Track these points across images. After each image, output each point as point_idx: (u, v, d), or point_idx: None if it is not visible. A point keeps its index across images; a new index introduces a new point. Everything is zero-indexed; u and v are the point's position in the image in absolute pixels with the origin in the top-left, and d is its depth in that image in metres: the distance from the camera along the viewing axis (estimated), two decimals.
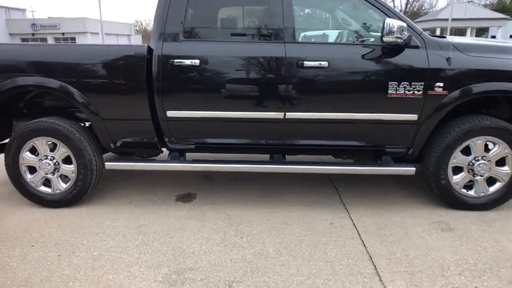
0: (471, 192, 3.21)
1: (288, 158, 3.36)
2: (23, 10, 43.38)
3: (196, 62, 2.99)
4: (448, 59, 2.95)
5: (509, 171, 3.13)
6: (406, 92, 2.96)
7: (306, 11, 3.29)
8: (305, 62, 2.96)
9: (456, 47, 3.01)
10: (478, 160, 3.11)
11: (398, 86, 2.95)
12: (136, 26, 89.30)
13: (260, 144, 3.26)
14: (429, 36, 3.06)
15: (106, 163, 3.27)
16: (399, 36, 2.78)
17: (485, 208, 3.21)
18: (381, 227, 2.98)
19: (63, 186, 3.32)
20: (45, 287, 2.28)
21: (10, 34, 38.80)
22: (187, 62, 2.99)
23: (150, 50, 3.05)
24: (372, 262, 2.51)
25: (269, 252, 2.64)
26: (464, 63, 2.97)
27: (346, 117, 3.06)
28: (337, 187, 3.75)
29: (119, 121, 3.18)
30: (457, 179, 3.17)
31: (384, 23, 2.73)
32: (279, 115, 3.07)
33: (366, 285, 2.28)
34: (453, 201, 3.22)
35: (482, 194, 3.20)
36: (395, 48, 2.95)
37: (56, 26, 39.01)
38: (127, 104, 3.12)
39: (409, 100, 2.98)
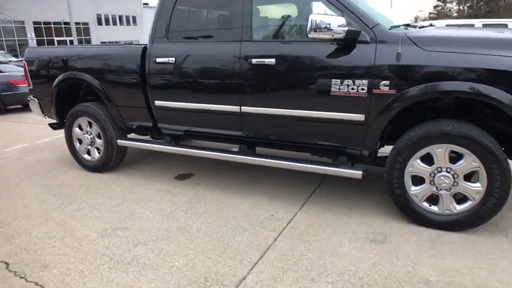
0: (434, 208, 2.80)
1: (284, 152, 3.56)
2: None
3: (172, 59, 3.50)
4: (398, 55, 2.66)
5: (481, 188, 2.61)
6: (350, 90, 2.81)
7: (265, 11, 3.35)
8: (253, 60, 3.12)
9: (413, 40, 2.67)
10: (440, 171, 2.70)
11: (342, 84, 2.83)
12: None
13: (228, 135, 3.56)
14: (386, 29, 2.78)
15: (118, 141, 4.12)
16: (333, 32, 2.67)
17: (449, 228, 2.76)
18: (313, 227, 2.94)
19: (96, 155, 4.34)
20: (36, 218, 3.23)
21: None
22: (166, 59, 3.53)
23: (145, 50, 3.71)
24: (263, 254, 2.60)
25: (192, 228, 3.00)
26: (419, 59, 2.62)
27: (295, 114, 3.08)
28: (321, 185, 3.72)
29: (127, 108, 3.96)
30: (416, 190, 2.82)
31: (307, 19, 2.67)
32: (236, 108, 3.32)
33: (233, 269, 2.44)
34: (411, 214, 2.87)
35: (447, 212, 2.76)
36: (340, 44, 2.82)
37: None
38: (130, 94, 3.86)
39: (354, 99, 2.81)
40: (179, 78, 3.53)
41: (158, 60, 3.57)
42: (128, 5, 41.46)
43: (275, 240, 2.78)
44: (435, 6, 50.68)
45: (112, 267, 2.53)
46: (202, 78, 3.44)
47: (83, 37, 33.84)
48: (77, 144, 4.46)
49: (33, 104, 4.66)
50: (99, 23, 37.97)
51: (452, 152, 2.64)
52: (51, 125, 4.75)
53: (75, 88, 4.43)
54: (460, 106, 2.83)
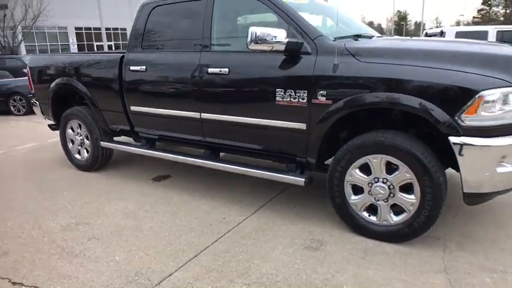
0: (373, 218, 2.81)
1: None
2: None
3: (144, 68, 3.74)
4: (334, 66, 2.72)
5: (414, 200, 2.60)
6: (292, 99, 2.89)
7: (224, 23, 3.46)
8: (209, 69, 3.28)
9: (350, 51, 2.72)
10: (377, 182, 2.72)
11: (285, 93, 2.92)
12: None
13: (193, 140, 3.73)
14: (328, 41, 2.84)
15: (101, 142, 4.41)
16: (272, 43, 2.77)
17: (387, 239, 2.76)
18: (257, 231, 3.03)
19: (85, 155, 4.66)
20: (16, 210, 3.56)
21: None
22: (138, 67, 3.77)
23: (123, 59, 3.97)
24: (198, 253, 2.73)
25: (145, 226, 3.18)
26: (352, 70, 2.67)
27: (246, 122, 3.19)
28: (284, 191, 3.79)
29: (109, 112, 4.24)
30: (355, 199, 2.84)
31: (248, 32, 2.78)
32: (196, 115, 3.48)
33: (165, 266, 2.59)
34: (351, 223, 2.90)
35: (385, 222, 2.76)
36: (284, 55, 2.91)
37: None
38: (111, 99, 4.14)
39: (296, 108, 2.89)
40: (149, 85, 3.75)
41: (132, 68, 3.81)
42: None
43: (215, 241, 2.90)
44: (479, 10, 48.52)
45: (60, 258, 2.76)
46: (168, 86, 3.64)
47: (121, 42, 35.47)
48: (70, 145, 4.81)
49: (35, 106, 5.08)
50: None
51: (391, 162, 2.65)
52: (50, 126, 5.14)
53: (70, 92, 4.78)
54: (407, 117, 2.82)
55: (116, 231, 3.12)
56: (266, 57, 3.01)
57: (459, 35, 8.07)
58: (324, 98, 2.75)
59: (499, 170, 2.37)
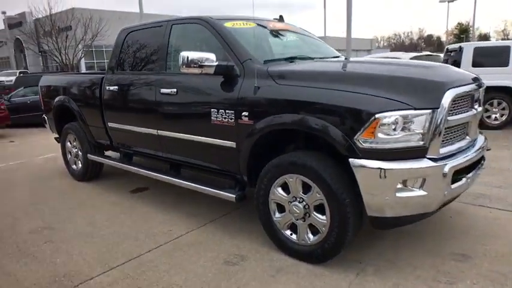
0: (294, 237, 2.84)
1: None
2: None
3: (116, 88, 4.09)
4: (255, 88, 2.83)
5: (325, 221, 2.60)
6: (223, 119, 3.04)
7: (179, 46, 3.66)
8: (162, 89, 3.53)
9: (271, 74, 2.83)
10: (294, 201, 2.76)
11: (218, 113, 3.07)
12: (393, 39, 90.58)
13: (156, 155, 3.98)
14: (254, 64, 2.96)
15: (88, 155, 4.81)
16: (202, 67, 2.95)
17: (304, 259, 2.77)
18: (192, 244, 3.16)
19: (79, 166, 5.11)
20: (3, 214, 4.03)
21: None
22: (113, 87, 4.13)
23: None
24: (126, 261, 2.93)
25: (98, 233, 3.45)
26: (270, 92, 2.77)
27: (191, 139, 3.38)
28: (241, 208, 3.88)
29: (94, 127, 4.65)
30: (279, 217, 2.89)
31: (179, 56, 2.98)
32: (154, 132, 3.74)
33: (92, 270, 2.81)
34: (276, 240, 2.94)
35: (303, 242, 2.78)
36: (218, 77, 3.08)
37: None
38: (94, 116, 4.54)
39: (226, 127, 3.03)
40: (120, 104, 4.09)
41: (108, 88, 4.19)
42: None
43: (148, 251, 3.09)
44: None
45: (12, 257, 3.10)
46: (133, 104, 3.95)
47: None
48: (69, 156, 5.29)
49: (45, 121, 5.67)
50: None
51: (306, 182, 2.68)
52: (55, 138, 5.69)
53: (68, 109, 5.27)
54: None
55: (72, 237, 3.42)
56: (205, 79, 3.19)
57: (477, 51, 7.66)
58: (247, 118, 2.87)
59: (399, 194, 2.32)
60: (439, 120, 2.31)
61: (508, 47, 7.35)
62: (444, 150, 2.44)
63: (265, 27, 3.63)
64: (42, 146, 7.90)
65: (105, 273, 2.79)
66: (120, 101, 4.09)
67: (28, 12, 31.28)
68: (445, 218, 3.47)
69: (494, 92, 7.51)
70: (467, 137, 2.73)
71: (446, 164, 2.35)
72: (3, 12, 31.66)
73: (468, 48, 7.65)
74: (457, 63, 7.83)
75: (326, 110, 2.46)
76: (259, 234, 3.26)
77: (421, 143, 2.33)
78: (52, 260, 3.03)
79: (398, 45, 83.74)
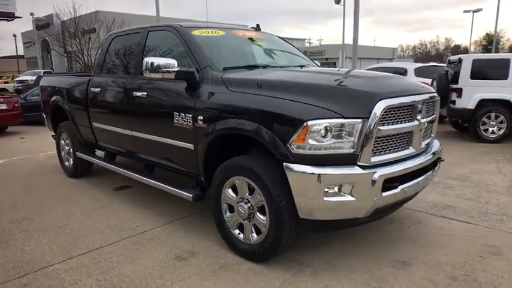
0: (241, 236, 2.98)
1: None
2: (303, 40, 52.30)
3: (98, 90, 4.34)
4: (209, 94, 3.01)
5: (265, 222, 2.73)
6: (183, 122, 3.22)
7: (154, 51, 3.86)
8: (134, 92, 3.75)
9: (224, 81, 2.99)
10: (241, 202, 2.90)
11: (179, 116, 3.26)
12: (419, 48, 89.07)
13: (133, 155, 4.20)
14: (211, 71, 3.13)
15: (76, 152, 5.09)
16: (163, 72, 3.14)
17: (249, 257, 2.90)
18: (151, 238, 3.35)
19: (71, 163, 5.40)
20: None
21: None
22: (96, 89, 4.39)
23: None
24: (86, 252, 3.14)
25: (70, 226, 3.68)
26: (221, 98, 2.94)
27: (158, 140, 3.58)
28: None
29: (82, 126, 4.92)
30: (229, 216, 3.04)
31: (143, 61, 3.18)
32: (129, 132, 3.96)
33: (53, 258, 3.03)
34: (226, 239, 3.09)
35: (248, 241, 2.92)
36: (181, 82, 3.26)
37: (321, 52, 44.98)
38: (81, 116, 4.81)
39: (186, 130, 3.21)
40: (101, 105, 4.34)
41: (92, 90, 4.45)
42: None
43: (109, 244, 3.28)
44: None
45: None
46: (112, 105, 4.19)
47: None
48: (62, 153, 5.60)
49: (44, 119, 6.01)
50: None
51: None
52: (53, 136, 6.01)
53: (61, 109, 5.58)
54: None
55: (46, 228, 3.67)
56: (172, 84, 3.38)
57: (476, 63, 7.57)
58: (202, 122, 3.04)
59: (326, 198, 2.43)
60: (369, 130, 2.41)
61: (508, 60, 7.26)
62: (377, 159, 2.53)
63: (235, 36, 3.81)
64: (48, 144, 8.26)
65: (64, 261, 3.01)
66: (102, 103, 4.34)
67: (55, 14, 32.61)
68: (403, 227, 3.53)
69: (493, 105, 7.43)
70: (410, 147, 2.81)
71: (375, 172, 2.45)
72: (32, 14, 33.07)
73: (467, 60, 7.59)
74: (456, 75, 7.80)
75: (265, 117, 2.60)
76: (217, 233, 3.41)
77: (352, 150, 2.44)
78: (22, 247, 3.27)
79: (424, 54, 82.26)
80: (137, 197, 4.49)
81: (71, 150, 5.28)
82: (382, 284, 2.59)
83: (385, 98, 2.50)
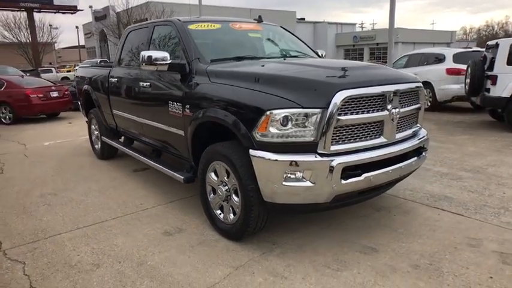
0: (222, 216, 3.22)
1: None
2: (353, 24, 50.56)
3: (116, 80, 4.76)
4: (193, 84, 3.25)
5: (237, 203, 2.95)
6: (175, 110, 3.50)
7: (159, 45, 4.13)
8: (141, 83, 4.09)
9: (208, 73, 3.21)
10: (220, 184, 3.14)
11: (172, 105, 3.54)
12: (485, 31, 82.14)
13: (142, 140, 4.58)
14: (198, 63, 3.36)
15: (102, 137, 5.60)
16: (157, 64, 3.43)
17: (227, 236, 3.14)
18: (149, 216, 3.70)
19: (99, 147, 5.95)
20: (26, 179, 4.95)
21: (337, 46, 46.64)
22: (114, 80, 4.81)
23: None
24: (88, 225, 3.57)
25: (84, 203, 4.16)
26: (204, 89, 3.17)
27: (160, 127, 3.90)
28: None
29: (106, 113, 5.41)
30: (212, 198, 3.29)
31: (140, 54, 3.48)
32: (138, 119, 4.33)
33: (49, 231, 3.50)
34: (210, 218, 3.34)
35: (226, 221, 3.15)
36: (175, 74, 3.53)
37: (372, 37, 43.31)
38: (104, 103, 5.29)
39: (177, 118, 3.49)
40: (118, 93, 4.76)
41: (111, 80, 4.88)
42: (283, 21, 44.97)
43: (112, 219, 3.68)
44: None
45: (17, 213, 3.91)
46: (125, 94, 4.58)
47: None
48: (93, 137, 6.18)
49: (80, 106, 6.63)
50: None
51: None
52: (86, 121, 6.62)
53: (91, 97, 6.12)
54: None
55: (64, 202, 4.17)
56: (170, 76, 3.66)
57: None
58: (188, 110, 3.30)
59: (286, 183, 2.58)
60: (327, 119, 2.52)
61: None
62: (339, 147, 2.63)
63: (230, 28, 3.99)
64: None
65: (71, 231, 3.45)
66: (119, 91, 4.75)
67: (111, 6, 34.55)
68: (389, 215, 3.57)
69: None
70: (382, 137, 2.85)
71: (333, 160, 2.55)
72: (90, 7, 35.27)
73: (504, 44, 7.11)
74: (493, 61, 7.34)
75: (234, 106, 2.80)
76: None
77: (312, 139, 2.56)
78: (41, 218, 3.77)
79: (490, 37, 75.98)
80: (151, 178, 4.88)
81: (99, 134, 5.82)
82: (342, 267, 2.71)
83: (346, 89, 2.57)
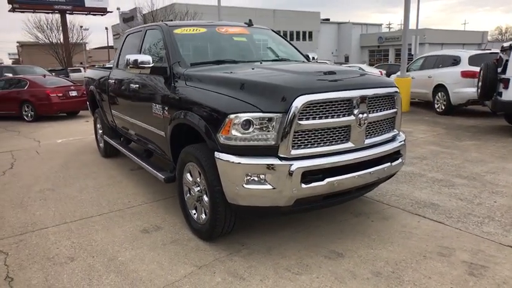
0: (195, 216, 3.30)
1: None
2: (379, 25, 49.60)
3: (113, 81, 4.94)
4: (171, 87, 3.35)
5: (207, 204, 3.02)
6: (157, 112, 3.62)
7: (149, 48, 4.26)
8: (131, 85, 4.24)
9: (184, 76, 3.31)
10: (194, 185, 3.22)
11: (155, 106, 3.66)
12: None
13: (135, 141, 4.73)
14: (178, 67, 3.45)
15: (104, 136, 5.81)
16: (140, 67, 3.56)
17: (199, 235, 3.22)
18: (134, 213, 3.84)
19: (102, 145, 6.18)
20: (31, 175, 5.22)
21: (361, 47, 45.90)
22: (112, 81, 5.00)
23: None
24: (74, 220, 3.74)
25: (79, 197, 4.35)
26: (180, 92, 3.26)
27: (147, 128, 4.03)
28: None
29: (105, 112, 5.62)
30: (188, 198, 3.38)
31: (125, 58, 3.62)
32: (129, 119, 4.48)
33: (47, 214, 3.68)
34: (186, 218, 3.42)
35: (199, 221, 3.23)
36: (163, 78, 3.63)
37: (398, 38, 42.32)
38: (105, 103, 5.49)
39: (159, 119, 3.61)
40: (115, 94, 4.94)
41: (110, 81, 5.07)
42: (307, 21, 44.77)
43: (98, 215, 3.83)
44: None
45: (14, 206, 4.14)
46: (120, 95, 4.75)
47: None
48: (98, 136, 6.42)
49: (88, 106, 6.91)
50: None
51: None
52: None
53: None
54: None
55: (59, 198, 4.38)
56: (156, 79, 3.78)
57: None
58: (167, 112, 3.40)
59: (246, 186, 2.63)
60: (287, 124, 2.55)
61: None
62: (300, 152, 2.65)
63: (215, 32, 4.06)
64: None
65: (57, 225, 3.63)
66: (116, 92, 4.93)
67: (138, 8, 35.49)
68: (366, 221, 3.54)
69: None
70: (349, 142, 2.85)
71: (292, 164, 2.58)
72: (118, 9, 36.35)
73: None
74: (506, 64, 7.07)
75: (202, 109, 2.87)
76: None
77: (273, 142, 2.60)
78: (34, 212, 3.98)
79: None
80: (144, 177, 5.03)
81: (102, 133, 6.04)
82: (303, 270, 2.72)
83: (307, 94, 2.59)
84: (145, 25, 4.48)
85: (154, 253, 3.03)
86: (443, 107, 9.73)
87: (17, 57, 67.26)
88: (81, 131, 9.04)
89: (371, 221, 3.54)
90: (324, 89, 2.69)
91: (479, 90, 7.70)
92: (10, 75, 13.80)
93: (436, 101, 10.02)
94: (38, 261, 2.97)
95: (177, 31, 3.86)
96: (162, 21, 28.88)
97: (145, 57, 3.56)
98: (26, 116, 10.96)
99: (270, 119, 2.56)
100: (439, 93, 9.83)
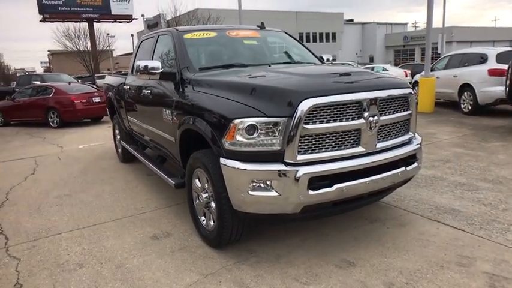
0: (204, 222, 3.25)
1: None
2: (404, 24, 48.47)
3: (128, 87, 4.99)
4: (180, 92, 3.32)
5: (214, 210, 2.97)
6: (167, 117, 3.61)
7: (161, 54, 4.24)
8: (143, 90, 4.26)
9: (192, 81, 3.28)
10: (202, 191, 3.18)
11: (165, 111, 3.65)
12: None
13: (150, 147, 4.75)
14: (186, 72, 3.42)
15: (121, 141, 5.88)
16: (150, 73, 3.56)
17: (208, 242, 3.17)
18: (145, 219, 3.83)
19: (120, 150, 6.26)
20: (51, 181, 5.34)
21: (386, 47, 44.96)
22: (127, 87, 5.05)
23: None
24: (90, 222, 3.77)
25: (93, 204, 4.40)
26: (188, 97, 3.23)
27: (159, 133, 4.03)
28: None
29: (122, 118, 5.68)
30: (197, 204, 3.34)
31: (135, 64, 3.62)
32: (143, 124, 4.51)
33: (61, 220, 3.73)
34: (195, 224, 3.38)
35: (207, 227, 3.18)
36: (168, 82, 3.63)
37: (423, 37, 41.10)
38: (121, 109, 5.55)
39: (169, 125, 3.59)
40: (130, 100, 4.98)
41: (125, 87, 5.12)
42: (330, 22, 44.28)
43: (111, 221, 3.86)
44: None
45: (30, 212, 4.23)
46: (133, 101, 4.78)
47: None
48: (116, 141, 6.51)
49: (107, 112, 7.03)
50: (301, 41, 42.37)
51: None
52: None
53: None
54: None
55: (75, 204, 4.44)
56: (167, 84, 3.77)
57: None
58: (176, 118, 3.38)
59: (252, 192, 2.56)
60: (292, 128, 2.46)
61: None
62: (307, 157, 2.55)
63: (226, 36, 4.02)
64: None
65: (70, 231, 3.67)
66: (131, 99, 4.98)
67: (162, 14, 36.14)
68: (382, 228, 3.39)
69: None
70: (360, 146, 2.73)
71: (298, 170, 2.49)
72: (143, 16, 37.12)
73: None
74: None
75: (208, 114, 2.82)
76: None
77: (278, 148, 2.52)
78: (50, 217, 4.05)
79: None
80: (160, 182, 5.03)
81: (119, 139, 6.12)
82: (311, 280, 2.62)
83: (312, 97, 2.49)
84: (158, 31, 4.50)
85: (162, 260, 3.00)
86: (469, 107, 9.33)
87: (48, 65, 69.92)
88: (102, 136, 9.22)
89: (387, 228, 3.38)
90: (331, 91, 2.58)
91: (507, 89, 7.33)
92: (38, 82, 14.30)
93: (462, 101, 9.63)
94: (47, 268, 3.00)
95: (187, 36, 3.84)
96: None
97: (155, 63, 3.55)
98: (52, 123, 11.30)
99: (275, 124, 2.49)
100: (465, 93, 9.43)
